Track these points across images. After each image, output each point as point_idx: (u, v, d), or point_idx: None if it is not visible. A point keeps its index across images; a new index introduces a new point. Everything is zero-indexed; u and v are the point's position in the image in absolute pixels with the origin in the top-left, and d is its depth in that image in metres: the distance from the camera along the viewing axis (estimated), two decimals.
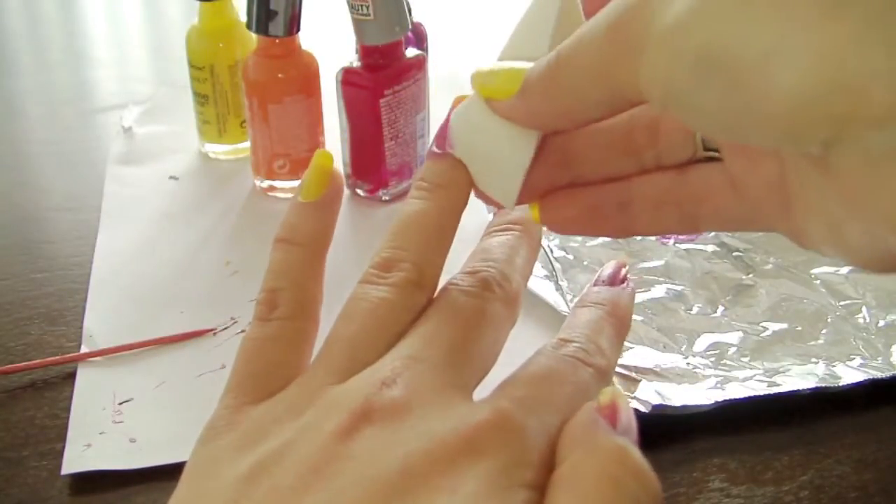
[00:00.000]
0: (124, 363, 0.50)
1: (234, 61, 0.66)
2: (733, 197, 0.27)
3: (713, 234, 0.58)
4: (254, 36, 0.61)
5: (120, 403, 0.47)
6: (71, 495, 0.43)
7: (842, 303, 0.53)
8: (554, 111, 0.25)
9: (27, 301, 0.55)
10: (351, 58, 0.60)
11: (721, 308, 0.52)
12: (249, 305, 0.28)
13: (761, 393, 0.46)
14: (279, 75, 0.61)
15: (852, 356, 0.49)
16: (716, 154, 0.28)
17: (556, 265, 0.56)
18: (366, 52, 0.59)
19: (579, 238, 0.58)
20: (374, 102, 0.59)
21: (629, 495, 0.21)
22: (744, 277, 0.55)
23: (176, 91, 0.77)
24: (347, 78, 0.59)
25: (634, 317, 0.51)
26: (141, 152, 0.71)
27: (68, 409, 0.47)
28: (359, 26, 0.58)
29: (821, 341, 0.50)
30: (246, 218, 0.63)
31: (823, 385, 0.46)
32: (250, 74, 0.61)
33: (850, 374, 0.47)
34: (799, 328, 0.51)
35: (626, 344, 0.49)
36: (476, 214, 0.29)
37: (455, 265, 0.29)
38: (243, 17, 0.61)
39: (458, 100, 0.29)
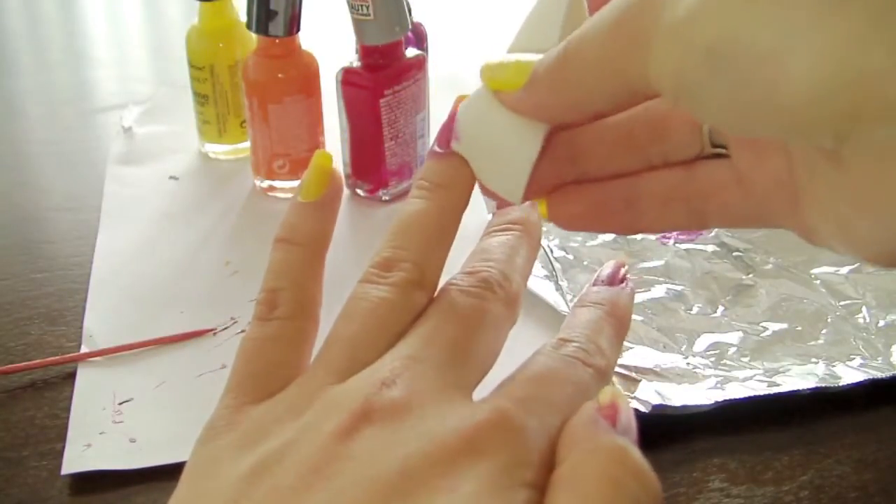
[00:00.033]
0: (124, 363, 0.50)
1: (234, 61, 0.66)
2: (740, 193, 0.27)
3: (713, 234, 0.59)
4: (254, 36, 0.61)
5: (120, 403, 0.47)
6: (71, 495, 0.43)
7: (842, 303, 0.53)
8: (562, 103, 0.25)
9: (27, 301, 0.55)
10: (351, 58, 0.60)
11: (721, 308, 0.52)
12: (249, 305, 0.28)
13: (761, 393, 0.46)
14: (279, 75, 0.61)
15: (852, 356, 0.49)
16: (723, 151, 0.28)
17: (556, 265, 0.56)
18: (366, 52, 0.59)
19: (579, 238, 0.58)
20: (374, 102, 0.59)
21: (629, 495, 0.21)
22: (744, 277, 0.55)
23: (176, 91, 0.77)
24: (347, 78, 0.59)
25: (634, 317, 0.51)
26: (141, 152, 0.71)
27: (68, 409, 0.47)
28: (359, 26, 0.58)
29: (821, 341, 0.50)
30: (246, 218, 0.63)
31: (823, 385, 0.46)
32: (250, 74, 0.61)
33: (850, 374, 0.47)
34: (799, 328, 0.51)
35: (626, 344, 0.49)
36: (476, 214, 0.29)
37: (455, 265, 0.29)
38: (243, 17, 0.61)
39: (461, 99, 0.29)
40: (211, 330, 0.52)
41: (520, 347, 0.29)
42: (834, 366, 0.48)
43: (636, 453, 0.22)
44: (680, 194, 0.28)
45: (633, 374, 0.47)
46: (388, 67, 0.59)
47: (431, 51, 0.67)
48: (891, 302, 0.52)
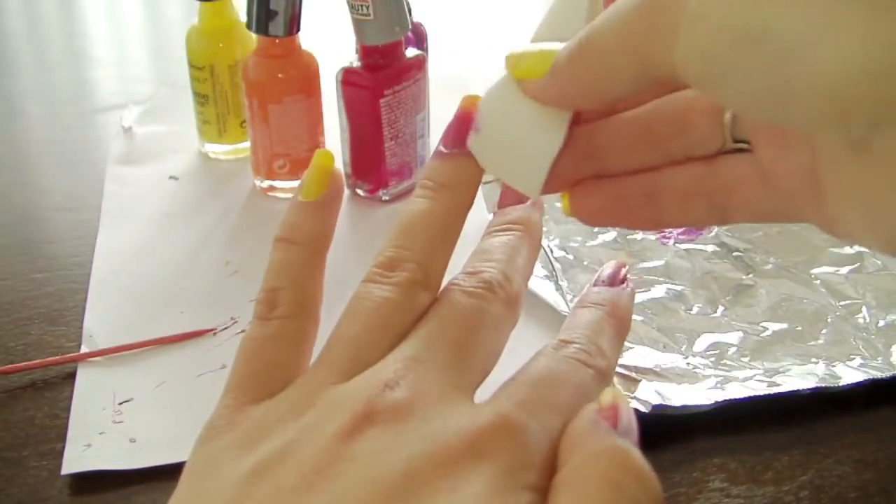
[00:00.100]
0: (124, 363, 0.50)
1: (234, 61, 0.66)
2: (763, 188, 0.27)
3: (713, 233, 0.59)
4: (254, 36, 0.61)
5: (120, 403, 0.47)
6: (71, 495, 0.43)
7: (842, 303, 0.53)
8: (583, 89, 0.25)
9: (27, 301, 0.55)
10: (351, 58, 0.60)
11: (721, 308, 0.52)
12: (249, 305, 0.28)
13: (761, 393, 0.46)
14: (279, 75, 0.61)
15: (852, 356, 0.49)
16: (745, 145, 0.28)
17: (556, 265, 0.56)
18: (366, 52, 0.59)
19: (579, 238, 0.58)
20: (374, 102, 0.59)
21: (631, 497, 0.21)
22: (744, 277, 0.55)
23: (176, 91, 0.77)
24: (347, 78, 0.59)
25: (634, 317, 0.51)
26: (141, 152, 0.71)
27: (68, 409, 0.47)
28: (359, 26, 0.58)
29: (821, 341, 0.50)
30: (246, 218, 0.63)
31: (823, 385, 0.46)
32: (250, 74, 0.61)
33: (850, 374, 0.47)
34: (799, 328, 0.51)
35: (626, 344, 0.49)
36: (477, 214, 0.29)
37: (455, 265, 0.29)
38: (243, 17, 0.61)
39: (467, 98, 0.29)
40: (211, 330, 0.52)
41: (520, 348, 0.29)
42: (834, 366, 0.48)
43: (637, 455, 0.22)
44: (702, 189, 0.28)
45: (633, 374, 0.47)
46: (388, 67, 0.59)
47: (431, 51, 0.67)
48: (891, 302, 0.52)
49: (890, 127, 0.19)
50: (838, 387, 0.46)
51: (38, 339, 0.52)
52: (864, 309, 0.52)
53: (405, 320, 0.26)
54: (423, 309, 0.27)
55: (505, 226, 0.30)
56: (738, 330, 0.51)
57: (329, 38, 0.69)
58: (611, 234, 0.59)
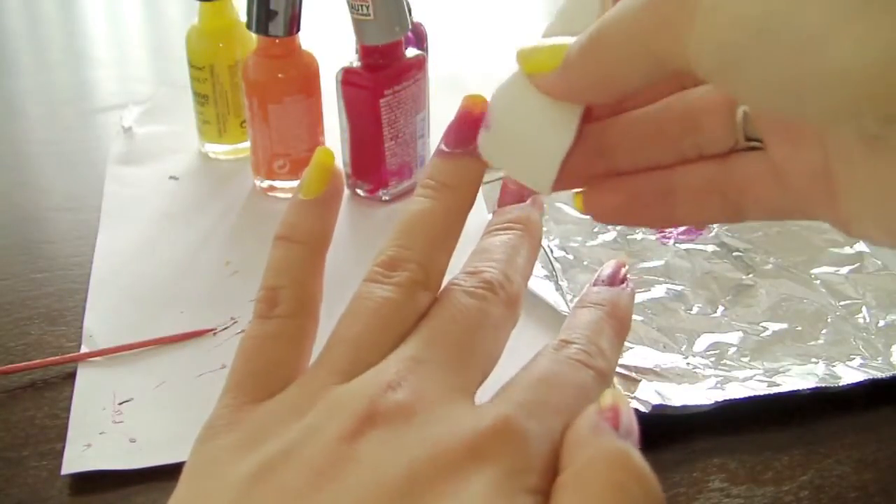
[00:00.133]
0: (124, 363, 0.50)
1: (234, 61, 0.66)
2: (776, 186, 0.27)
3: (713, 233, 0.59)
4: (254, 36, 0.61)
5: (120, 403, 0.47)
6: (71, 495, 0.43)
7: (842, 303, 0.53)
8: (595, 82, 0.25)
9: (27, 301, 0.55)
10: (351, 58, 0.60)
11: (721, 308, 0.52)
12: (249, 305, 0.28)
13: (761, 393, 0.46)
14: (279, 75, 0.61)
15: (852, 356, 0.49)
16: (758, 144, 0.28)
17: (556, 265, 0.56)
18: (366, 52, 0.59)
19: (579, 238, 0.58)
20: (374, 102, 0.59)
21: (633, 500, 0.21)
22: (744, 277, 0.55)
23: (176, 91, 0.77)
24: (347, 78, 0.59)
25: (634, 317, 0.51)
26: (141, 152, 0.71)
27: (68, 409, 0.47)
28: (359, 26, 0.58)
29: (821, 341, 0.50)
30: (246, 218, 0.63)
31: (823, 385, 0.46)
32: (250, 74, 0.61)
33: (850, 374, 0.47)
34: (799, 328, 0.51)
35: (626, 344, 0.49)
36: (476, 214, 0.29)
37: (455, 264, 0.29)
38: (243, 17, 0.61)
39: (467, 97, 0.29)
40: (211, 330, 0.52)
41: (520, 347, 0.29)
42: (834, 366, 0.48)
43: (638, 457, 0.22)
44: (715, 187, 0.28)
45: (633, 374, 0.47)
46: (388, 67, 0.59)
47: (431, 51, 0.67)
48: (891, 302, 0.52)
49: None
50: (838, 387, 0.46)
51: (38, 339, 0.52)
52: (864, 309, 0.52)
53: (406, 320, 0.26)
54: (423, 309, 0.27)
55: (505, 225, 0.30)
56: (738, 330, 0.51)
57: (329, 38, 0.69)
58: (611, 235, 0.59)
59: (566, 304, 0.52)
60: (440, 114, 0.64)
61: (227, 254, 0.59)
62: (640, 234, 0.59)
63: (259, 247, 0.29)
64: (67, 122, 0.78)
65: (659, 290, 0.54)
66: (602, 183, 0.29)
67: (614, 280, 0.29)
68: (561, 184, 0.28)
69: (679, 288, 0.54)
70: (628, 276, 0.30)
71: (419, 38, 0.67)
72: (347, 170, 0.63)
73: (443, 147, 0.29)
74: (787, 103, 0.21)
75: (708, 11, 0.21)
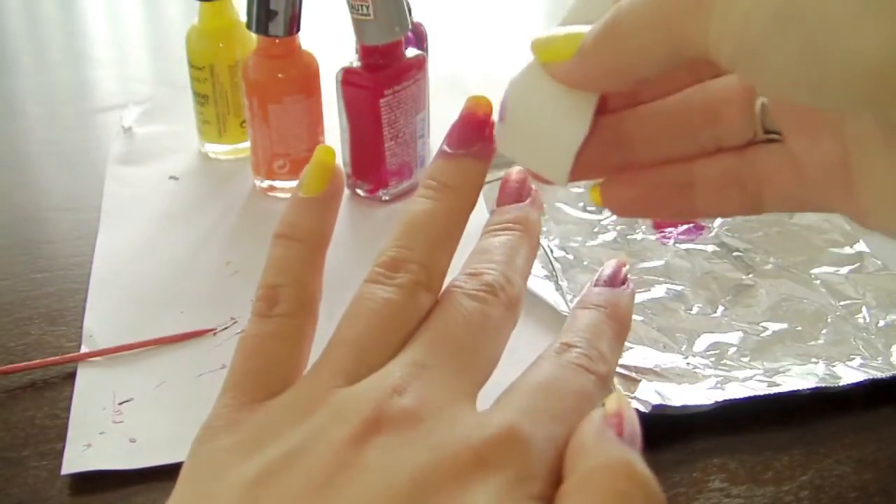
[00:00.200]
0: (124, 363, 0.50)
1: (234, 61, 0.66)
2: (794, 178, 0.27)
3: (713, 233, 0.59)
4: (254, 36, 0.61)
5: (120, 403, 0.47)
6: (71, 495, 0.43)
7: (842, 303, 0.53)
8: (611, 70, 0.25)
9: (27, 301, 0.55)
10: (351, 58, 0.60)
11: (721, 308, 0.52)
12: (249, 305, 0.28)
13: (761, 393, 0.46)
14: (279, 75, 0.61)
15: (852, 356, 0.49)
16: (776, 136, 0.28)
17: (556, 265, 0.56)
18: (366, 52, 0.59)
19: (579, 238, 0.58)
20: (374, 102, 0.59)
21: None
22: (744, 277, 0.55)
23: (176, 91, 0.77)
24: (347, 78, 0.59)
25: (634, 317, 0.51)
26: (141, 152, 0.71)
27: (68, 409, 0.47)
28: (359, 26, 0.58)
29: (821, 341, 0.50)
30: (246, 218, 0.63)
31: (823, 385, 0.46)
32: (250, 74, 0.61)
33: (850, 374, 0.47)
34: (799, 328, 0.51)
35: (626, 344, 0.49)
36: (477, 214, 0.29)
37: (454, 264, 0.29)
38: (243, 17, 0.61)
39: (471, 98, 0.29)
40: (211, 330, 0.52)
41: (521, 347, 0.29)
42: (834, 366, 0.48)
43: (641, 465, 0.22)
44: (734, 179, 0.28)
45: (633, 374, 0.47)
46: (388, 67, 0.59)
47: (431, 51, 0.67)
48: (891, 302, 0.52)
49: None
50: (838, 387, 0.46)
51: (38, 339, 0.52)
52: (864, 309, 0.52)
53: (408, 322, 0.26)
54: (425, 310, 0.27)
55: (504, 225, 0.30)
56: (738, 330, 0.51)
57: (329, 38, 0.69)
58: (611, 235, 0.59)
59: (566, 304, 0.52)
60: (440, 114, 0.64)
61: (227, 254, 0.59)
62: (640, 234, 0.59)
63: (259, 247, 0.29)
64: (67, 122, 0.78)
65: (659, 290, 0.54)
66: (619, 176, 0.29)
67: (615, 281, 0.29)
68: (577, 174, 0.28)
69: (679, 288, 0.54)
70: (629, 276, 0.30)
71: (419, 38, 0.67)
72: (347, 170, 0.63)
73: (445, 148, 0.29)
74: (807, 91, 0.21)
75: None
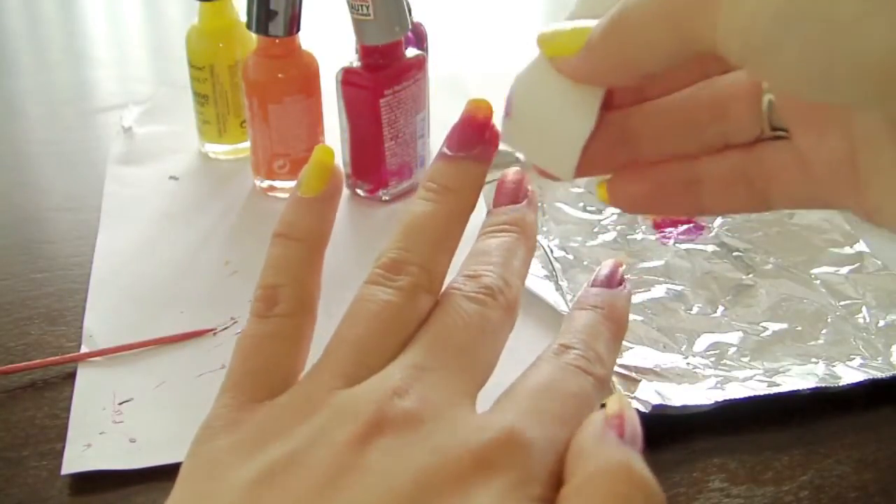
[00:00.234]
0: (124, 363, 0.50)
1: (234, 61, 0.66)
2: (801, 175, 0.27)
3: (713, 233, 0.59)
4: (254, 36, 0.61)
5: (120, 403, 0.47)
6: (71, 495, 0.43)
7: (842, 303, 0.53)
8: (618, 64, 0.25)
9: (27, 301, 0.55)
10: (351, 58, 0.60)
11: (721, 308, 0.52)
12: (249, 305, 0.28)
13: (761, 393, 0.46)
14: (279, 75, 0.61)
15: (852, 356, 0.49)
16: (783, 133, 0.28)
17: (556, 265, 0.56)
18: (366, 52, 0.59)
19: (579, 238, 0.58)
20: (374, 102, 0.59)
21: None
22: (744, 277, 0.55)
23: (176, 91, 0.77)
24: (347, 78, 0.59)
25: (634, 317, 0.51)
26: (141, 152, 0.71)
27: (68, 409, 0.47)
28: (359, 26, 0.58)
29: (821, 341, 0.50)
30: (246, 218, 0.63)
31: (823, 385, 0.46)
32: (250, 74, 0.61)
33: (850, 374, 0.47)
34: (799, 328, 0.51)
35: (626, 344, 0.49)
36: (477, 216, 0.29)
37: (452, 265, 0.29)
38: (243, 17, 0.61)
39: (471, 101, 0.29)
40: (211, 330, 0.52)
41: (520, 347, 0.29)
42: (834, 366, 0.48)
43: (642, 468, 0.22)
44: (741, 176, 0.28)
45: (633, 374, 0.47)
46: (388, 67, 0.59)
47: (431, 51, 0.67)
48: (891, 302, 0.52)
49: None
50: (838, 387, 0.46)
51: (38, 339, 0.52)
52: (864, 309, 0.52)
53: (409, 324, 0.26)
54: (425, 312, 0.27)
55: (501, 227, 0.29)
56: (738, 330, 0.51)
57: (329, 38, 0.69)
58: (611, 235, 0.59)
59: (566, 304, 0.52)
60: (440, 114, 0.64)
61: (227, 254, 0.59)
62: (639, 234, 0.59)
63: (259, 247, 0.29)
64: (67, 122, 0.78)
65: (659, 290, 0.54)
66: (626, 172, 0.29)
67: (612, 281, 0.29)
68: (583, 170, 0.28)
69: (679, 288, 0.54)
70: (626, 276, 0.30)
71: (419, 38, 0.67)
72: (347, 170, 0.63)
73: (445, 150, 0.29)
74: (815, 87, 0.21)
75: None
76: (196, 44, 0.66)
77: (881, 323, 0.51)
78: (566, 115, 0.27)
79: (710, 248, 0.57)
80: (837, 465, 0.44)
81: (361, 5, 0.56)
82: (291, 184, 0.64)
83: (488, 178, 0.29)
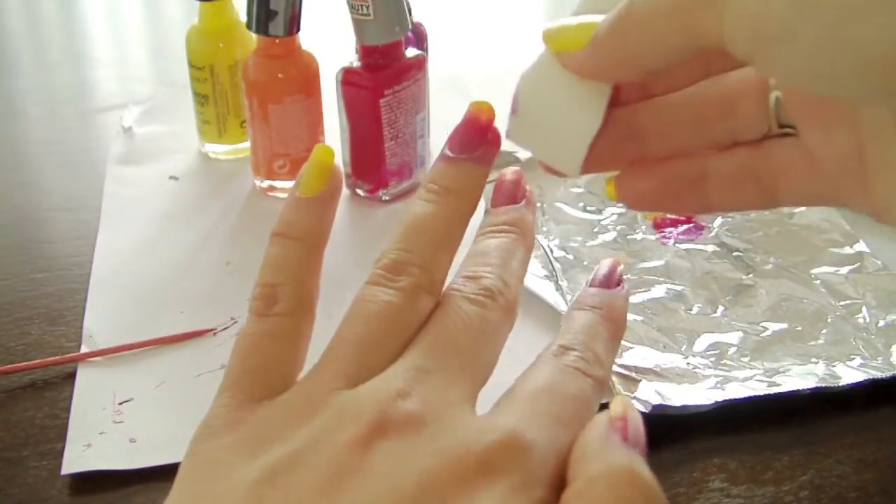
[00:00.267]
0: (124, 363, 0.50)
1: (234, 61, 0.66)
2: (809, 172, 0.27)
3: (713, 233, 0.59)
4: (254, 36, 0.61)
5: (120, 403, 0.47)
6: (71, 495, 0.43)
7: (842, 303, 0.53)
8: (624, 60, 0.25)
9: (27, 301, 0.55)
10: (351, 58, 0.60)
11: (721, 308, 0.52)
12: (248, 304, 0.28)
13: (761, 393, 0.46)
14: (279, 75, 0.61)
15: (852, 356, 0.48)
16: (791, 130, 0.28)
17: (556, 265, 0.56)
18: (366, 52, 0.59)
19: (579, 238, 0.58)
20: (374, 102, 0.59)
21: None
22: (744, 277, 0.55)
23: (176, 91, 0.77)
24: (347, 78, 0.59)
25: (635, 317, 0.51)
26: (141, 152, 0.71)
27: (68, 409, 0.47)
28: (359, 26, 0.58)
29: (821, 341, 0.50)
30: (246, 218, 0.63)
31: (823, 385, 0.46)
32: (250, 74, 0.61)
33: (850, 374, 0.47)
34: (799, 328, 0.51)
35: (626, 344, 0.49)
36: (476, 216, 0.29)
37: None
38: (243, 17, 0.61)
39: (474, 103, 0.29)
40: (211, 330, 0.52)
41: (519, 347, 0.29)
42: (834, 366, 0.48)
43: (644, 471, 0.22)
44: (749, 174, 0.28)
45: (633, 374, 0.47)
46: (388, 67, 0.59)
47: (431, 51, 0.67)
48: (891, 302, 0.52)
49: None
50: (838, 387, 0.46)
51: (38, 339, 0.52)
52: (864, 309, 0.52)
53: (410, 325, 0.26)
54: (426, 313, 0.27)
55: (499, 227, 0.29)
56: (738, 330, 0.51)
57: (329, 38, 0.69)
58: (611, 235, 0.59)
59: (566, 304, 0.52)
60: (440, 114, 0.64)
61: (227, 254, 0.59)
62: (639, 234, 0.59)
63: (259, 247, 0.29)
64: (67, 122, 0.78)
65: (659, 290, 0.54)
66: (635, 169, 0.29)
67: (610, 280, 0.29)
68: (589, 166, 0.28)
69: (679, 288, 0.54)
70: (625, 276, 0.30)
71: (419, 38, 0.67)
72: (347, 170, 0.63)
73: (447, 152, 0.29)
74: (822, 81, 0.21)
75: None
76: (196, 44, 0.66)
77: (881, 323, 0.51)
78: (573, 111, 0.27)
79: (710, 248, 0.57)
80: (837, 465, 0.44)
81: (361, 5, 0.56)
82: (291, 184, 0.63)
83: (490, 177, 0.29)
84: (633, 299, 0.53)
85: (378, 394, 0.24)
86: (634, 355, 0.48)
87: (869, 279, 0.54)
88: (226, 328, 0.52)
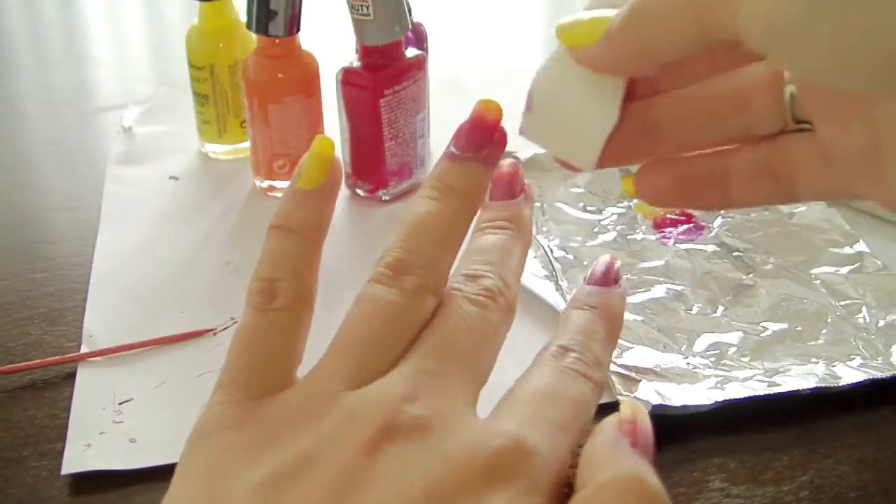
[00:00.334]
0: (124, 363, 0.50)
1: (234, 61, 0.66)
2: (825, 167, 0.27)
3: (713, 233, 0.59)
4: (254, 36, 0.61)
5: (120, 403, 0.47)
6: (71, 495, 0.43)
7: (842, 303, 0.53)
8: (638, 53, 0.25)
9: (27, 301, 0.55)
10: (351, 58, 0.60)
11: (721, 308, 0.52)
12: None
13: (761, 393, 0.46)
14: (279, 75, 0.61)
15: (852, 356, 0.48)
16: (806, 125, 0.28)
17: (556, 265, 0.56)
18: (366, 52, 0.59)
19: (579, 238, 0.58)
20: (374, 102, 0.59)
21: None
22: (744, 277, 0.55)
23: (176, 91, 0.77)
24: (347, 78, 0.59)
25: (635, 317, 0.51)
26: (141, 152, 0.71)
27: (68, 409, 0.47)
28: (359, 26, 0.58)
29: (821, 341, 0.50)
30: (246, 218, 0.63)
31: (823, 385, 0.46)
32: (250, 74, 0.61)
33: (850, 374, 0.47)
34: (799, 328, 0.51)
35: (626, 344, 0.49)
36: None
37: None
38: (243, 17, 0.61)
39: (481, 102, 0.29)
40: (211, 330, 0.52)
41: (519, 347, 0.29)
42: (834, 366, 0.48)
43: (652, 479, 0.22)
44: (766, 169, 0.28)
45: (633, 374, 0.47)
46: (388, 67, 0.59)
47: (431, 51, 0.67)
48: (891, 302, 0.52)
49: None
50: (838, 387, 0.46)
51: (38, 339, 0.52)
52: (864, 309, 0.52)
53: (413, 326, 0.26)
54: (429, 313, 0.27)
55: (497, 223, 0.29)
56: (738, 330, 0.51)
57: (329, 38, 0.69)
58: (611, 235, 0.59)
59: (566, 303, 0.52)
60: (440, 114, 0.64)
61: (228, 254, 0.59)
62: (640, 234, 0.59)
63: (259, 246, 0.28)
64: (67, 122, 0.78)
65: (659, 290, 0.54)
66: (654, 166, 0.29)
67: (607, 278, 0.29)
68: (605, 161, 0.28)
69: (679, 288, 0.54)
70: (623, 275, 0.30)
71: (419, 38, 0.67)
72: (347, 170, 0.63)
73: (452, 150, 0.29)
74: (838, 74, 0.21)
75: None
76: (196, 44, 0.66)
77: (881, 323, 0.51)
78: (589, 106, 0.27)
79: (710, 248, 0.57)
80: (837, 465, 0.44)
81: (361, 5, 0.56)
82: None
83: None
84: (633, 299, 0.53)
85: (384, 397, 0.24)
86: (634, 355, 0.48)
87: (869, 279, 0.54)
88: (226, 328, 0.52)
